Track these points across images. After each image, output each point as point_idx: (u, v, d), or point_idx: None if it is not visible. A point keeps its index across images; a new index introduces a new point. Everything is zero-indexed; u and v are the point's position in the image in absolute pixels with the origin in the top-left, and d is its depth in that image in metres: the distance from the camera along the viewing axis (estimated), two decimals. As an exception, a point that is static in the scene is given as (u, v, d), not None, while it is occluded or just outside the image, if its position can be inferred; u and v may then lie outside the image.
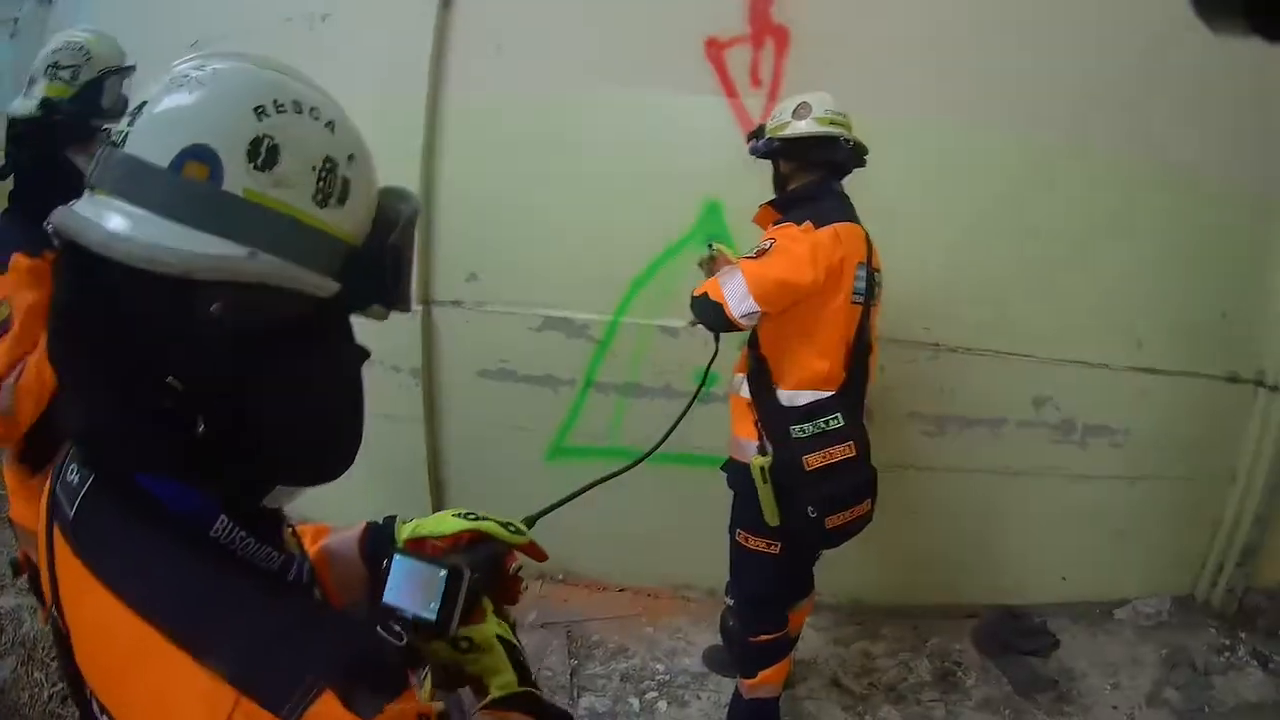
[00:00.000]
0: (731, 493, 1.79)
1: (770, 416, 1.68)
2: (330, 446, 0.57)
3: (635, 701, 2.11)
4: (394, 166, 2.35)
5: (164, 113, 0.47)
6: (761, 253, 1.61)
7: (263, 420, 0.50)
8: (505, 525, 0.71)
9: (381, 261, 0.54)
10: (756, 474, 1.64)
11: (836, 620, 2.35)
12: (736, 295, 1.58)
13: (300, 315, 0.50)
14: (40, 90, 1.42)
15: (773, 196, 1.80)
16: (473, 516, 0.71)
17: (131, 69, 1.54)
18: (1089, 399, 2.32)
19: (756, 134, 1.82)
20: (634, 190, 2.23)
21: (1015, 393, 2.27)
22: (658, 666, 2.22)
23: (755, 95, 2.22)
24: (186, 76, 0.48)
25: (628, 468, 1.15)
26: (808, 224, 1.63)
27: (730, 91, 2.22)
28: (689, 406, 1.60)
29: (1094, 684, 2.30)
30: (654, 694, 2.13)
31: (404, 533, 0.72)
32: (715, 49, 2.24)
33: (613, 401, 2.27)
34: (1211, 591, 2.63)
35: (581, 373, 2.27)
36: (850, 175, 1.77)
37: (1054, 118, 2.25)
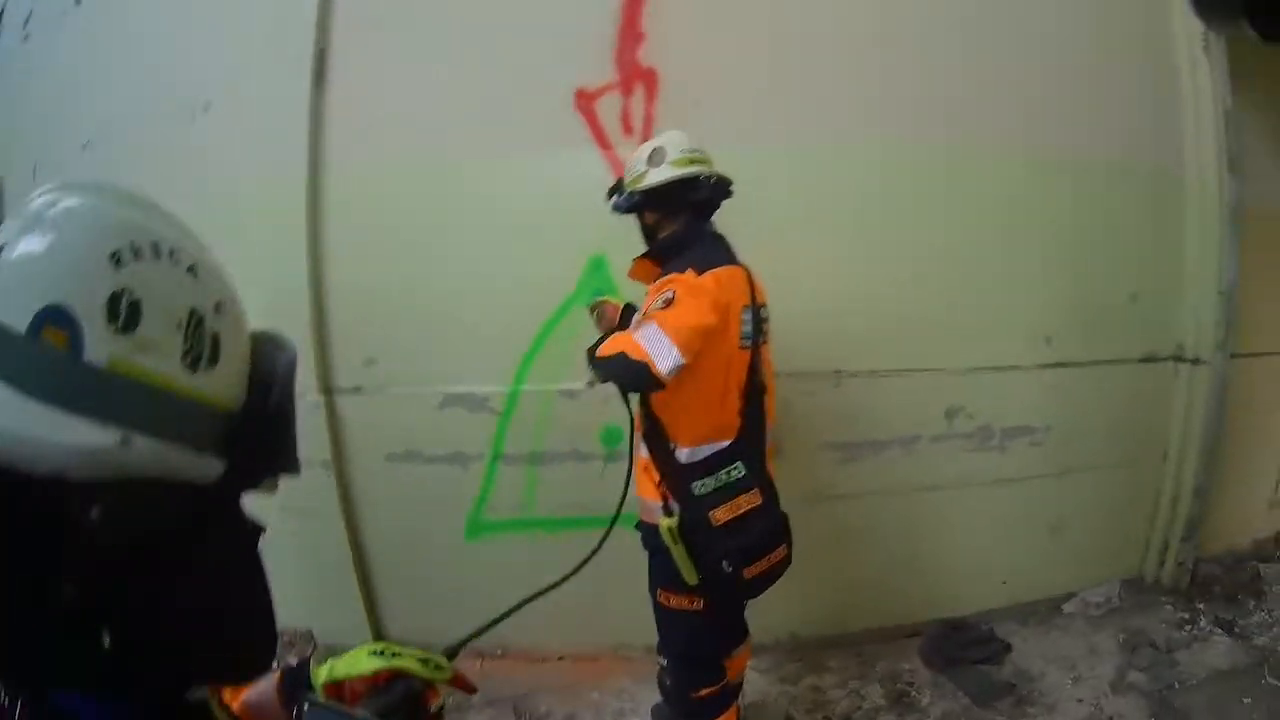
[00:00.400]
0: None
1: (671, 475, 1.63)
2: (244, 639, 0.53)
3: (589, 769, 2.08)
4: (280, 255, 2.33)
5: (18, 263, 0.43)
6: (668, 303, 1.51)
7: (169, 624, 0.47)
8: (425, 661, 0.67)
9: (266, 426, 0.50)
10: (666, 535, 1.59)
11: (779, 659, 2.32)
12: (661, 351, 1.45)
13: (186, 502, 0.45)
14: None
15: (644, 249, 1.76)
16: (390, 653, 0.67)
17: None
18: (1003, 403, 2.30)
19: (615, 189, 1.77)
20: (518, 254, 2.20)
21: (925, 408, 2.25)
22: (609, 729, 2.19)
23: (629, 143, 2.18)
24: (40, 217, 0.44)
25: (558, 583, 1.12)
26: (690, 271, 1.57)
27: (603, 143, 2.19)
28: (624, 496, 1.54)
29: (1054, 681, 2.27)
30: (606, 759, 2.11)
31: (320, 676, 0.67)
32: (585, 100, 2.21)
33: (523, 471, 2.23)
34: (1161, 570, 2.62)
35: (488, 446, 2.23)
36: (720, 210, 1.71)
37: (931, 122, 2.24)
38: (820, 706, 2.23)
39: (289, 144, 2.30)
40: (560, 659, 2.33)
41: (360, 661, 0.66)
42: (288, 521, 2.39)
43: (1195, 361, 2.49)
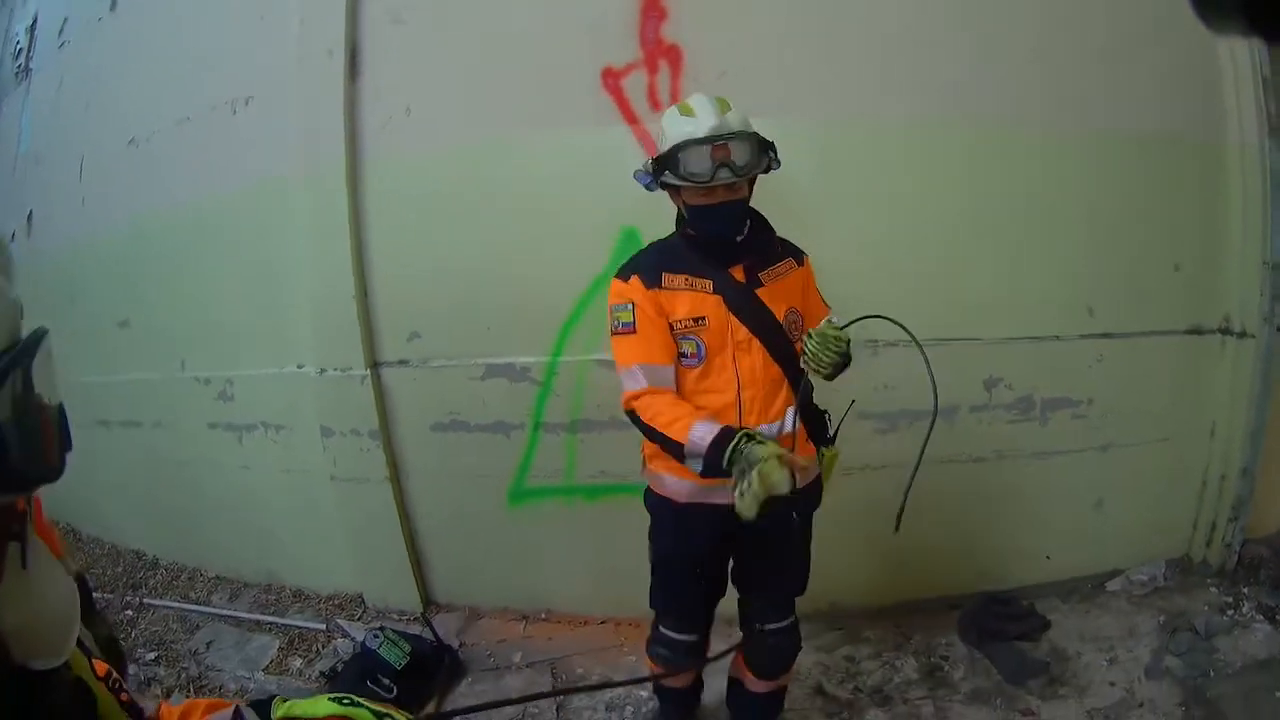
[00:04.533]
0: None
1: (818, 417, 1.75)
2: None
3: (622, 729, 2.12)
4: (325, 238, 2.42)
5: None
6: None
7: None
8: (380, 715, 0.68)
9: None
10: (837, 462, 1.72)
11: (817, 628, 2.33)
12: None
13: None
14: None
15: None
16: (348, 701, 0.68)
17: None
18: (1043, 373, 2.27)
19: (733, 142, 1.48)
20: (552, 230, 2.25)
21: (964, 378, 2.23)
22: (641, 693, 2.23)
23: (656, 119, 2.22)
24: None
25: None
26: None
27: (631, 118, 2.23)
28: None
29: (1089, 661, 2.24)
30: (639, 721, 2.15)
31: (279, 711, 0.70)
32: (612, 78, 2.25)
33: (563, 440, 2.29)
34: (1208, 550, 2.56)
35: (529, 415, 2.30)
36: None
37: (968, 94, 2.22)
38: (852, 678, 2.24)
39: (327, 134, 2.37)
40: (602, 623, 2.39)
41: (319, 704, 0.68)
42: (337, 490, 2.49)
43: (1241, 335, 2.43)
